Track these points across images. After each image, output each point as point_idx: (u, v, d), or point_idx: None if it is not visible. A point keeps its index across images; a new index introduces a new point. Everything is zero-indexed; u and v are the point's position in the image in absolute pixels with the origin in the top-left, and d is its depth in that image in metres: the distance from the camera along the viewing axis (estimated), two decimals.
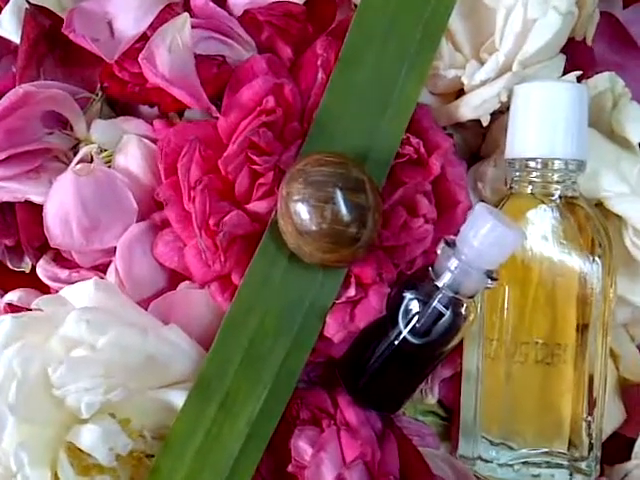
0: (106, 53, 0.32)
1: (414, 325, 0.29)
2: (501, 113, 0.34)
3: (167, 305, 0.32)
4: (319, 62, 0.30)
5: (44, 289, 0.34)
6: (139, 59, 0.30)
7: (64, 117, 0.35)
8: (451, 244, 0.29)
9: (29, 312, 0.29)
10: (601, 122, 0.32)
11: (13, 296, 0.33)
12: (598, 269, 0.30)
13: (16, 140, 0.34)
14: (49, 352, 0.27)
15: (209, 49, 0.33)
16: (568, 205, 0.31)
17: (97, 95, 0.36)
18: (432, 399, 0.33)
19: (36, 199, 0.34)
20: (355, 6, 0.31)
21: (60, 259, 0.35)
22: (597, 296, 0.30)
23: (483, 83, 0.31)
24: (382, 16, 0.30)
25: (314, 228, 0.27)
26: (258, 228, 0.30)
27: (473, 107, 0.31)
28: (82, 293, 0.30)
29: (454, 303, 0.29)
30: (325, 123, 0.30)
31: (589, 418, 0.31)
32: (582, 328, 0.32)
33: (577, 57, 0.33)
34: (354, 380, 0.31)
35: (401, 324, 0.30)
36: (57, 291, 0.32)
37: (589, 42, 0.32)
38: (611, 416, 0.33)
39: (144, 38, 0.32)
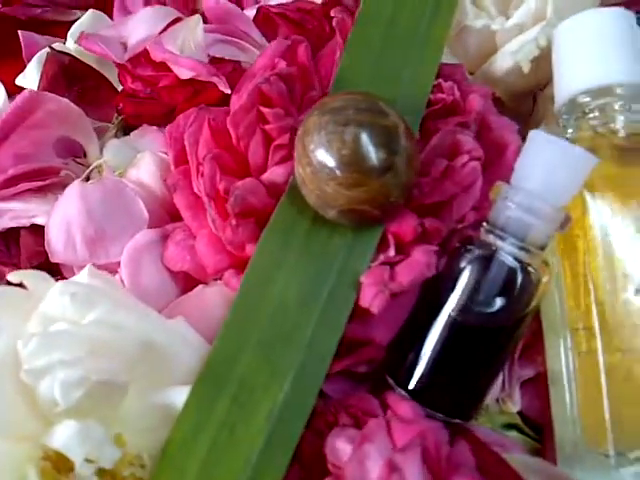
0: (116, 55, 0.31)
1: (476, 291, 0.23)
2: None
3: (181, 310, 0.27)
4: (334, 23, 0.28)
5: None
6: (146, 45, 0.29)
7: (78, 145, 0.33)
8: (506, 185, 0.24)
9: (6, 287, 0.24)
10: None
11: None
12: None
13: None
14: (24, 332, 0.22)
15: (223, 53, 0.32)
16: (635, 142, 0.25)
17: (113, 123, 0.34)
18: (513, 407, 0.25)
19: (41, 221, 0.31)
20: None
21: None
22: None
23: (517, 31, 0.28)
24: None
25: (335, 156, 0.23)
26: (275, 205, 0.26)
27: (511, 53, 0.27)
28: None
29: (523, 255, 0.23)
30: (346, 80, 0.27)
31: None
32: None
33: None
34: (407, 378, 0.24)
35: (458, 292, 0.24)
36: None
37: None
38: None
39: None
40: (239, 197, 0.25)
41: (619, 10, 0.26)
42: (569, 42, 0.27)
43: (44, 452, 0.21)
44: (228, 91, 0.28)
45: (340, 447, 0.21)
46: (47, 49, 0.35)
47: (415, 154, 0.24)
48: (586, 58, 0.26)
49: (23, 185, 0.31)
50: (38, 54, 0.36)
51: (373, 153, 0.23)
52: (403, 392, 0.24)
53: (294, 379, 0.22)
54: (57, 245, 0.29)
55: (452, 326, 0.24)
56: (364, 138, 0.22)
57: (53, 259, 0.29)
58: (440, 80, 0.26)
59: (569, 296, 0.25)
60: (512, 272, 0.23)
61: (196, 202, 0.27)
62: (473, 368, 0.24)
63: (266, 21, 0.32)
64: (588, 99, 0.26)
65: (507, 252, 0.23)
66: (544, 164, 0.23)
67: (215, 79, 0.28)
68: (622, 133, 0.25)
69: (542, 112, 0.30)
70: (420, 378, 0.24)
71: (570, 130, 0.27)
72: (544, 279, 0.24)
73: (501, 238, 0.23)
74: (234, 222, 0.24)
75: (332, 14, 0.28)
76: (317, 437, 0.23)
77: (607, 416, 0.24)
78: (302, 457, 0.23)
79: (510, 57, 0.28)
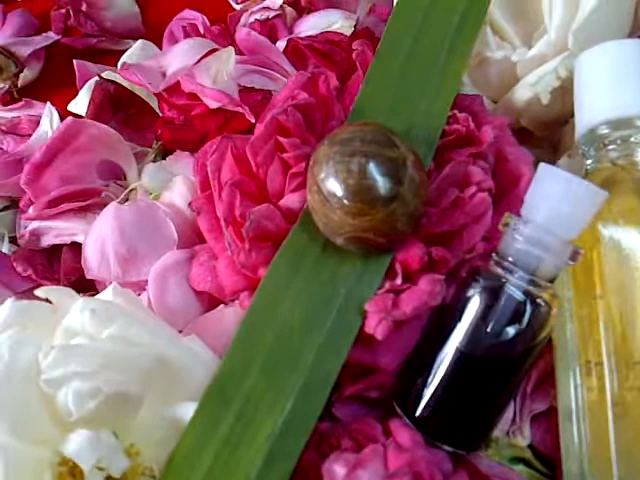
0: (154, 85, 0.33)
1: (483, 323, 0.24)
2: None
3: (199, 328, 0.29)
4: (354, 55, 0.28)
5: None
6: (179, 77, 0.31)
7: (119, 168, 0.35)
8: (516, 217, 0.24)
9: (35, 302, 0.26)
10: None
11: None
12: None
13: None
14: (48, 342, 0.24)
15: (254, 82, 0.33)
16: None
17: (153, 148, 0.36)
18: (523, 441, 0.25)
19: (81, 239, 0.33)
20: None
21: None
22: None
23: (538, 63, 0.28)
24: (419, 5, 0.29)
25: (341, 186, 0.23)
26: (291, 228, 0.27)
27: (529, 84, 0.27)
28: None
29: (532, 288, 0.23)
30: (363, 109, 0.28)
31: None
32: None
33: None
34: (413, 407, 0.25)
35: (466, 324, 0.24)
36: None
37: None
38: None
39: None
40: (254, 222, 0.26)
41: (636, 41, 0.26)
42: (590, 72, 0.27)
43: (61, 458, 0.23)
44: (253, 120, 0.30)
45: (336, 470, 0.22)
46: (96, 77, 0.38)
47: (423, 184, 0.24)
48: (606, 89, 0.26)
49: (65, 205, 0.33)
50: (89, 82, 0.39)
51: (378, 183, 0.23)
52: (408, 421, 0.24)
53: (296, 401, 0.23)
54: (92, 262, 0.31)
55: (459, 357, 0.24)
56: (370, 168, 0.23)
57: (88, 275, 0.31)
58: (455, 111, 0.27)
59: (580, 330, 0.25)
60: (520, 305, 0.23)
61: (217, 226, 0.28)
62: (479, 399, 0.24)
63: (296, 52, 0.33)
64: (608, 130, 0.26)
65: (515, 285, 0.23)
66: (552, 197, 0.23)
67: (239, 109, 0.29)
68: None
69: (568, 142, 0.30)
70: (426, 407, 0.24)
71: (589, 161, 0.26)
72: (553, 311, 0.24)
73: (510, 271, 0.23)
74: (247, 246, 0.25)
75: (354, 47, 0.29)
76: (321, 459, 0.24)
77: (613, 455, 0.23)
78: (307, 478, 0.24)
79: (529, 89, 0.28)
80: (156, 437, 0.25)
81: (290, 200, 0.27)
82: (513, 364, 0.24)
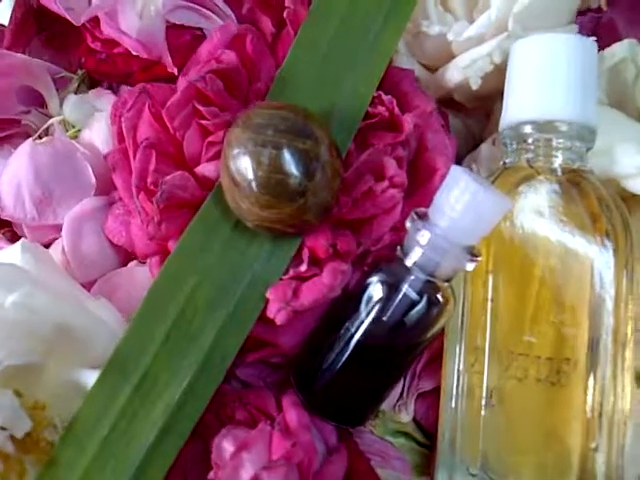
0: (75, 18, 0.30)
1: (380, 314, 0.24)
2: None
3: (110, 284, 0.29)
4: (285, 14, 0.27)
5: None
6: (99, 14, 0.29)
7: (40, 96, 0.34)
8: (422, 216, 0.24)
9: None
10: (619, 95, 0.27)
11: None
12: (608, 255, 0.24)
13: None
14: None
15: (184, 19, 0.31)
16: (573, 181, 0.25)
17: (77, 74, 0.34)
18: (406, 417, 0.27)
19: None
20: None
21: (16, 238, 0.32)
22: (607, 292, 0.24)
23: (475, 43, 0.27)
24: None
25: (250, 177, 0.23)
26: (206, 197, 0.26)
27: (461, 67, 0.27)
28: (8, 256, 0.27)
29: (428, 288, 0.24)
30: (288, 80, 0.26)
31: (598, 453, 0.24)
32: (594, 341, 0.25)
33: (592, 30, 0.29)
34: (308, 383, 0.26)
35: (363, 313, 0.25)
36: None
37: (604, 6, 0.27)
38: (637, 458, 0.26)
39: None
40: (166, 192, 0.25)
41: (579, 39, 0.25)
42: (521, 64, 0.26)
43: None
44: (176, 72, 0.28)
45: (225, 447, 0.23)
46: None
47: (336, 176, 0.24)
48: (535, 86, 0.25)
49: None
50: None
51: (288, 178, 0.23)
52: (300, 396, 0.26)
53: (193, 377, 0.24)
54: (7, 202, 0.31)
55: (353, 342, 0.25)
56: (280, 161, 0.23)
57: (3, 215, 0.31)
58: (380, 92, 0.26)
59: (471, 314, 0.26)
60: (414, 303, 0.24)
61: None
62: (369, 382, 0.26)
63: None
64: (531, 131, 0.25)
65: (412, 285, 0.24)
66: (457, 207, 0.23)
67: (160, 60, 0.28)
68: (559, 172, 0.25)
69: (499, 117, 0.30)
70: (318, 386, 0.26)
71: (508, 159, 0.26)
72: (447, 308, 0.25)
73: (407, 269, 0.24)
74: (157, 219, 0.25)
75: (286, 4, 0.27)
76: (219, 424, 0.25)
77: (481, 434, 0.25)
78: (204, 440, 0.25)
79: (461, 71, 0.27)
80: (61, 394, 0.26)
81: (206, 169, 0.26)
82: (403, 353, 0.25)
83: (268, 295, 0.24)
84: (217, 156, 0.26)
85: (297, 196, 0.23)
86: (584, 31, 0.29)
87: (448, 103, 0.30)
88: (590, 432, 0.25)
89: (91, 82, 0.34)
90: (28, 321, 0.24)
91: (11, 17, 0.35)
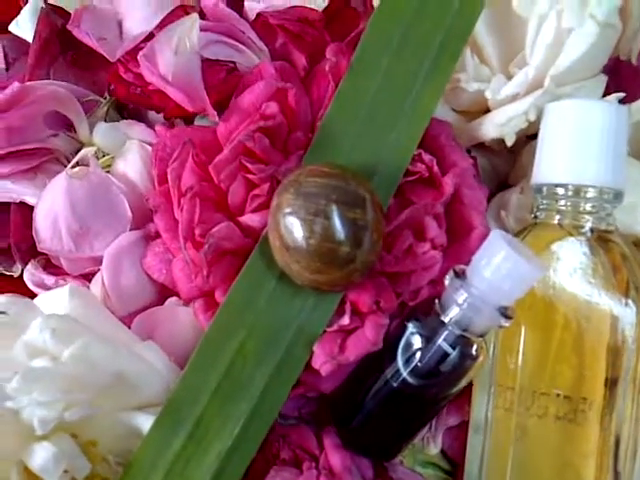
0: (109, 52, 0.30)
1: (415, 364, 0.26)
2: (533, 138, 0.30)
3: (152, 321, 0.30)
4: (327, 67, 0.27)
5: (32, 296, 0.32)
6: (138, 57, 0.29)
7: (68, 120, 0.34)
8: (461, 275, 0.26)
9: None
10: None
11: None
12: (632, 314, 0.26)
13: (16, 139, 0.32)
14: (9, 359, 0.25)
15: (219, 54, 0.31)
16: (600, 240, 0.27)
17: (105, 99, 0.34)
18: (434, 449, 0.29)
19: (31, 200, 0.32)
20: None
21: (50, 266, 0.33)
22: (630, 345, 0.26)
23: (510, 100, 0.28)
24: (399, 21, 0.27)
25: (302, 244, 0.24)
26: (251, 244, 0.27)
27: (497, 124, 0.28)
28: (56, 299, 0.28)
29: (462, 342, 0.26)
30: (330, 133, 0.27)
31: None
32: (611, 383, 0.28)
33: (621, 79, 0.30)
34: (346, 421, 0.28)
35: (400, 362, 0.26)
36: None
37: (634, 60, 0.28)
38: None
39: (151, 38, 0.31)
40: (213, 245, 0.26)
41: (613, 107, 0.26)
42: (556, 127, 0.27)
43: (25, 469, 0.25)
44: (217, 119, 0.29)
45: None
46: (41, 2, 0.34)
47: (380, 236, 0.25)
48: (569, 151, 0.26)
49: (15, 167, 0.32)
50: (32, 2, 0.35)
51: (339, 248, 0.24)
52: (339, 434, 0.28)
53: (243, 425, 0.26)
54: (44, 235, 0.31)
55: (388, 389, 0.27)
56: (332, 232, 0.24)
57: (40, 248, 0.31)
58: (421, 151, 0.27)
59: (501, 355, 0.28)
60: (447, 355, 0.26)
61: (175, 226, 0.28)
62: (402, 424, 0.28)
63: (265, 27, 0.31)
64: (563, 192, 0.27)
65: (446, 338, 0.26)
66: (496, 273, 0.24)
67: (203, 113, 0.28)
68: (589, 234, 0.27)
69: (525, 160, 0.31)
70: (356, 423, 0.28)
71: (539, 213, 0.28)
72: (478, 361, 0.27)
73: (443, 324, 0.26)
74: (205, 272, 0.26)
75: (327, 55, 0.28)
76: (266, 464, 0.27)
77: (509, 468, 0.28)
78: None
79: (496, 128, 0.28)
80: (111, 433, 0.27)
81: (251, 220, 0.27)
82: (437, 399, 0.27)
83: (315, 349, 0.26)
84: (261, 207, 0.27)
85: (346, 263, 0.24)
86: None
87: (475, 145, 0.31)
88: (603, 467, 0.27)
89: (117, 103, 0.35)
90: (86, 373, 0.25)
91: (34, 37, 0.34)
